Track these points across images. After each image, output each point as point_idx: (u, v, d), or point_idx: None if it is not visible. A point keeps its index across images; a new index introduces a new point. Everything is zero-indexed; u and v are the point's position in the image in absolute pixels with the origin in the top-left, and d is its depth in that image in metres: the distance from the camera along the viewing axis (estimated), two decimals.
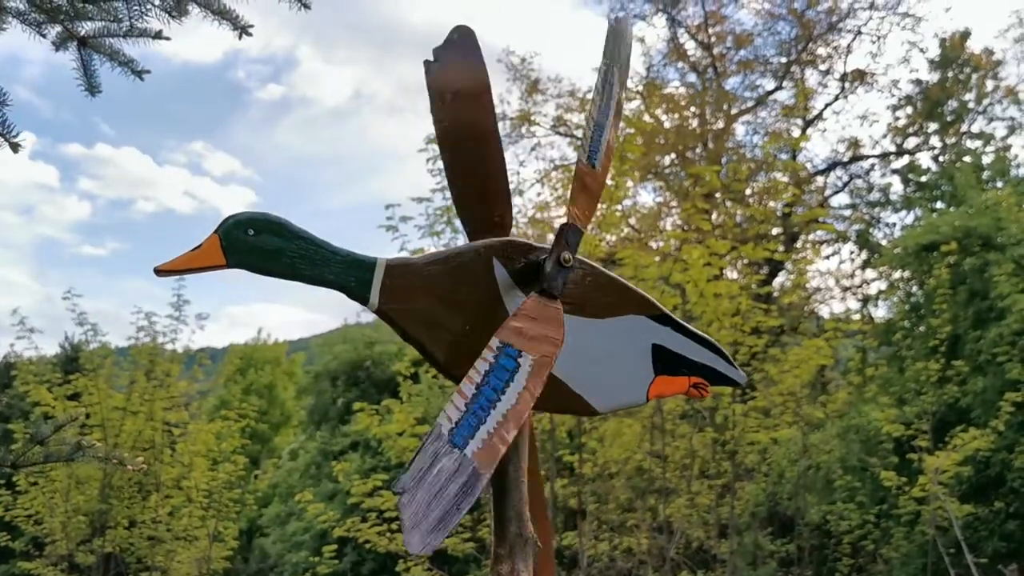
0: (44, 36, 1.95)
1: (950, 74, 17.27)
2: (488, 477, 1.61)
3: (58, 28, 1.94)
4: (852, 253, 17.74)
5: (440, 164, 7.56)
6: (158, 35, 2.00)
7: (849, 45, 18.24)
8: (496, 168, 1.95)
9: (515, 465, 1.74)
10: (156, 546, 8.58)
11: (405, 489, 1.57)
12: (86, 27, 1.95)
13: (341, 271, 1.69)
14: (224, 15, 1.97)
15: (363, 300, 1.72)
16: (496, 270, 1.79)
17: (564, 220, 1.82)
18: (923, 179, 15.73)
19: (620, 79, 1.98)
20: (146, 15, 1.92)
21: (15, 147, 1.77)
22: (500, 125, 18.29)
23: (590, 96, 2.05)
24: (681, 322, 1.98)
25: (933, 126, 17.69)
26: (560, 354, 1.79)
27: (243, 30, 2.01)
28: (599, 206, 7.60)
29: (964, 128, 17.41)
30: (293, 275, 1.68)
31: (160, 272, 1.60)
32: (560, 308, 1.75)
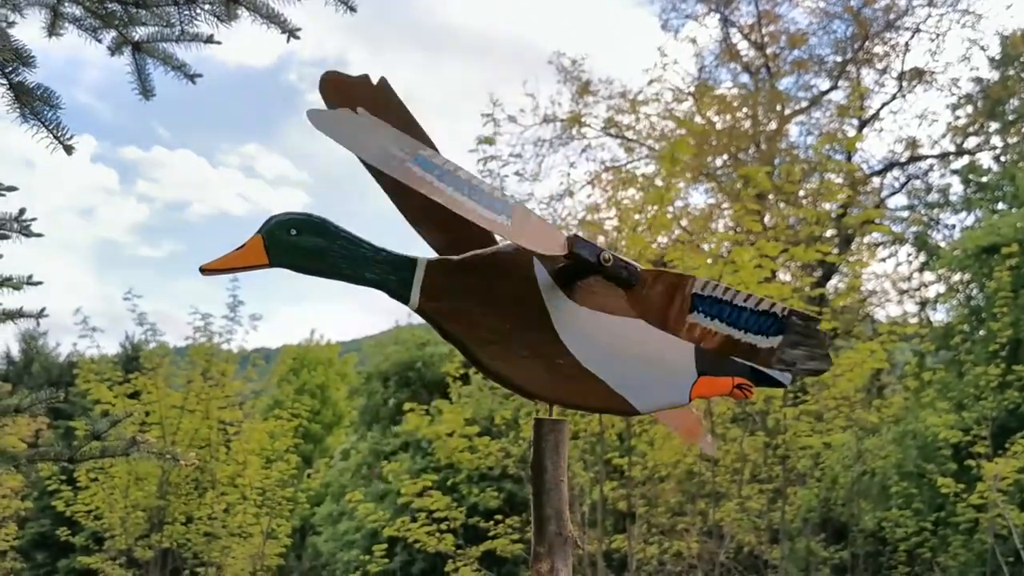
0: (100, 41, 2.01)
1: (1011, 72, 16.84)
2: None
3: (113, 33, 1.99)
4: (909, 255, 17.40)
5: (489, 166, 7.59)
6: (209, 39, 2.05)
7: (907, 43, 17.89)
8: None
9: (555, 464, 1.74)
10: (212, 542, 8.74)
11: None
12: (139, 32, 2.01)
13: (382, 270, 1.71)
14: (272, 19, 2.02)
15: (403, 299, 1.73)
16: (537, 270, 1.79)
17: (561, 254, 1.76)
18: (984, 180, 15.35)
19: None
20: (196, 19, 1.97)
21: (68, 149, 1.83)
22: (550, 128, 18.05)
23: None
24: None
25: (994, 125, 17.28)
26: (601, 354, 1.80)
27: (291, 33, 2.05)
28: (650, 208, 7.59)
29: None
30: (334, 274, 1.70)
31: (205, 271, 1.64)
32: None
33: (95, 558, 8.95)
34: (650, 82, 17.53)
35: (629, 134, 18.01)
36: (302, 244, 1.66)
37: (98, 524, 9.01)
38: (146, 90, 2.11)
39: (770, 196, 9.96)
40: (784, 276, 9.41)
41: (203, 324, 9.04)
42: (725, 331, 1.73)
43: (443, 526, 7.79)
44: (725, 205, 15.80)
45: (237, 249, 1.64)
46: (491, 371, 1.81)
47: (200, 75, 2.16)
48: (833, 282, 14.57)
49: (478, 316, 1.75)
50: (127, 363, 11.63)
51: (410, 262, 1.73)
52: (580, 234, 1.83)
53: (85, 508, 8.99)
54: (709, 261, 7.71)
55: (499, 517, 8.28)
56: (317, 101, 1.79)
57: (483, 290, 1.76)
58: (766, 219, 10.92)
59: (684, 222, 12.65)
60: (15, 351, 21.83)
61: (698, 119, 16.94)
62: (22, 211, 2.26)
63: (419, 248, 1.77)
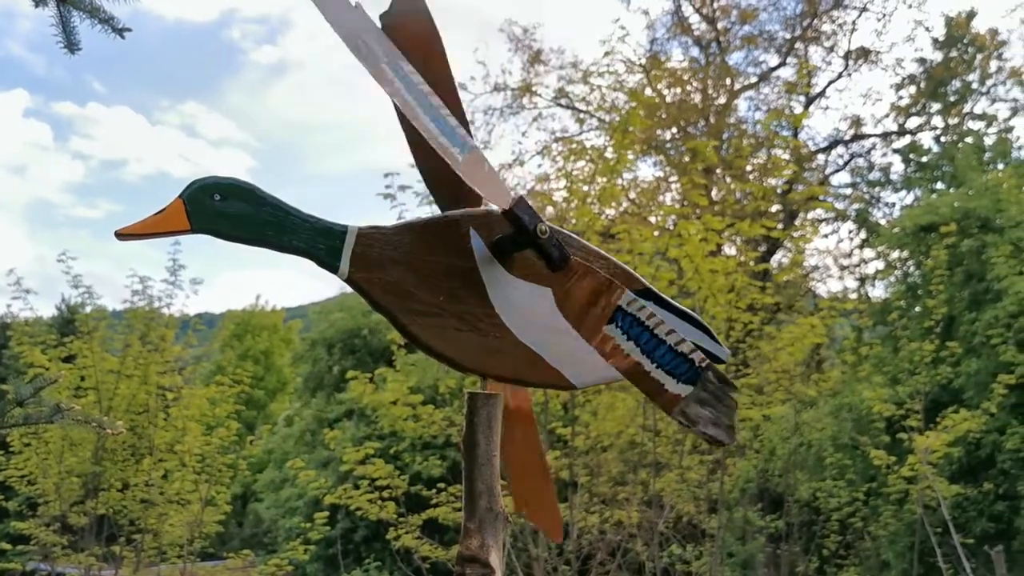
0: None
1: (954, 53, 17.14)
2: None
3: None
4: (851, 232, 17.73)
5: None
6: None
7: (854, 22, 18.11)
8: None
9: (487, 439, 1.71)
10: (148, 509, 8.61)
11: None
12: None
13: (310, 238, 1.64)
14: None
15: (332, 268, 1.67)
16: (473, 240, 1.74)
17: (499, 209, 1.68)
18: (924, 159, 15.66)
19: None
20: None
21: None
22: (500, 96, 17.95)
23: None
24: (664, 296, 1.94)
25: (936, 106, 17.60)
26: (537, 328, 1.77)
27: None
28: (599, 179, 7.57)
29: (967, 109, 17.31)
30: (260, 241, 1.63)
31: (121, 236, 1.56)
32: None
33: (29, 524, 8.77)
34: (606, 54, 17.53)
35: (580, 105, 17.99)
36: (226, 210, 1.59)
37: (32, 489, 8.82)
38: (71, 43, 2.01)
39: (717, 170, 10.03)
40: (729, 250, 9.49)
41: (142, 287, 8.84)
42: (637, 357, 1.68)
43: (385, 494, 7.77)
44: (673, 178, 15.90)
45: (157, 213, 1.57)
46: (423, 344, 1.76)
47: (129, 29, 2.05)
48: (777, 257, 14.79)
49: (411, 287, 1.70)
50: (63, 326, 11.36)
51: (340, 230, 1.67)
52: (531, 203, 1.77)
53: (18, 473, 8.79)
54: (656, 233, 7.75)
55: (442, 485, 8.29)
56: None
57: (416, 260, 1.71)
58: (713, 193, 11.00)
59: (632, 194, 12.68)
60: None
61: (648, 92, 16.96)
62: None
63: (358, 219, 1.71)
